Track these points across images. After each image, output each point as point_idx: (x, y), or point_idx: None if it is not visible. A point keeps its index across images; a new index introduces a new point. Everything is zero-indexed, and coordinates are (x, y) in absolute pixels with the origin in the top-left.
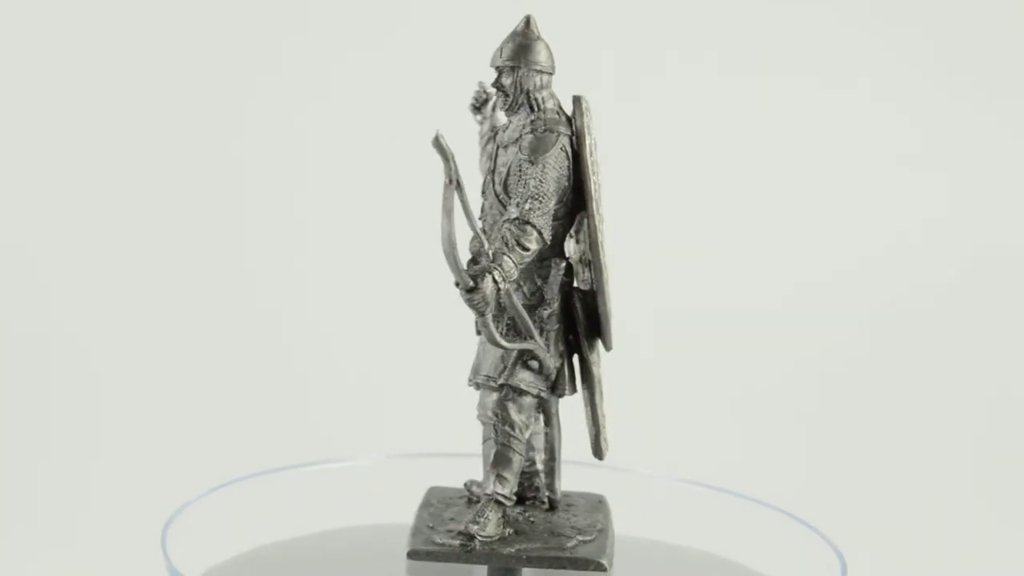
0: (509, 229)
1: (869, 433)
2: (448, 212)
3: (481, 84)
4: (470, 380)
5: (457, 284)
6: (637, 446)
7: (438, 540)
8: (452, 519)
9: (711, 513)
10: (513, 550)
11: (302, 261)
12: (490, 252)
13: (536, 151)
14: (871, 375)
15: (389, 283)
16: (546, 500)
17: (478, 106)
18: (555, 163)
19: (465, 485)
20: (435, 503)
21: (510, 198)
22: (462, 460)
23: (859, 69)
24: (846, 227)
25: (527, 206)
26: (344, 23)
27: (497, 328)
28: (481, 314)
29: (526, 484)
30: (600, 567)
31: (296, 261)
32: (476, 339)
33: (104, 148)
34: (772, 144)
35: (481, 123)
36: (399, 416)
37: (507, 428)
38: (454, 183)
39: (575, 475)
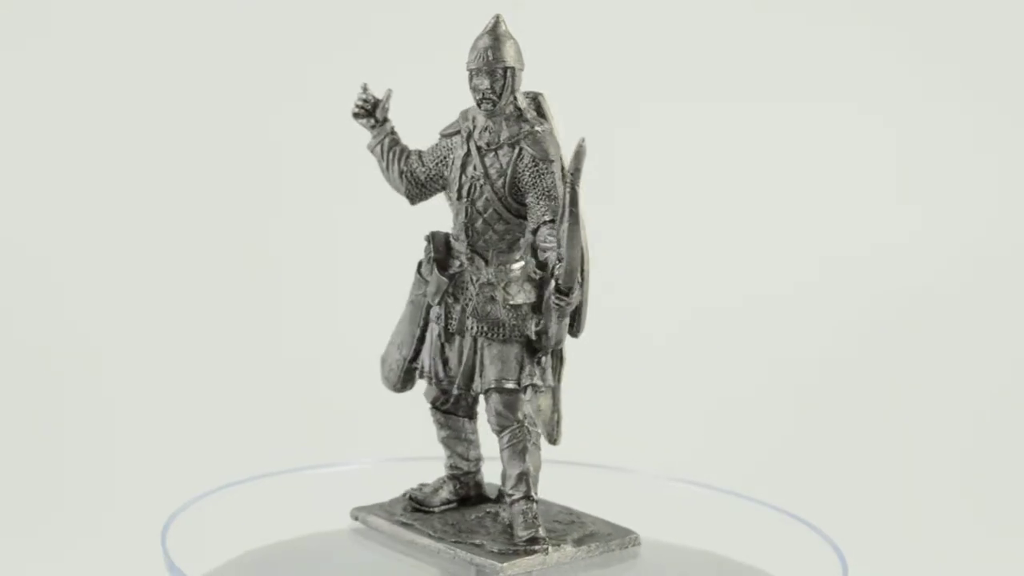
0: (553, 232)
1: (870, 432)
2: (579, 219)
3: (365, 87)
4: (465, 386)
5: (561, 290)
6: (636, 446)
7: (501, 549)
8: (458, 527)
9: (711, 513)
10: (571, 544)
11: (301, 264)
12: (557, 256)
13: (548, 150)
14: (872, 374)
15: (384, 288)
16: (495, 492)
17: (369, 110)
18: (560, 159)
19: (411, 497)
20: (411, 522)
21: (516, 201)
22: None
23: (847, 76)
24: (841, 225)
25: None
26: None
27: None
28: (564, 316)
29: (470, 483)
30: (637, 540)
31: (295, 264)
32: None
33: (113, 151)
34: (761, 147)
35: (373, 128)
36: (394, 420)
37: (533, 427)
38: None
39: (574, 475)
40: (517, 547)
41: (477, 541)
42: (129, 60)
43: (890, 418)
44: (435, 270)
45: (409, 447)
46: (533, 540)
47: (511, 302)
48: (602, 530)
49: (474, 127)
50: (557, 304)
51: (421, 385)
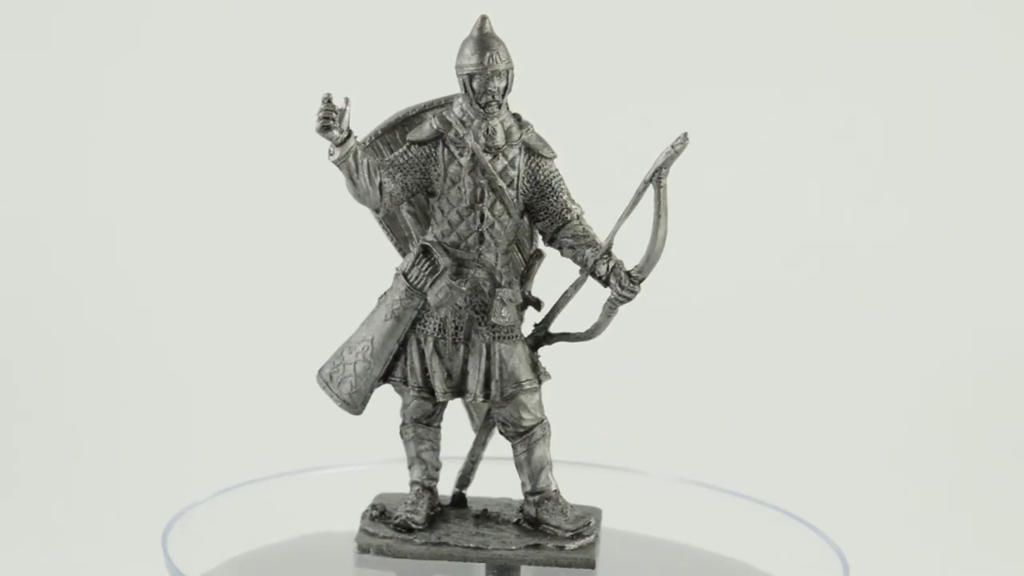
0: (587, 228)
1: (871, 431)
2: (667, 212)
3: (329, 98)
4: (486, 395)
5: (634, 280)
6: (637, 446)
7: (559, 545)
8: (483, 535)
9: (711, 513)
10: (593, 526)
11: (298, 266)
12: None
13: (548, 147)
14: (873, 373)
15: (378, 290)
16: (450, 497)
17: (337, 121)
18: None
19: (404, 519)
20: (442, 541)
21: (524, 201)
22: (448, 463)
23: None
24: (828, 216)
25: (575, 200)
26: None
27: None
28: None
29: (437, 492)
30: (600, 514)
31: (292, 266)
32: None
33: (122, 149)
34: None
35: (341, 143)
36: (392, 420)
37: (548, 421)
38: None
39: (576, 475)
40: (575, 537)
41: (530, 542)
42: (124, 60)
43: (891, 417)
44: (449, 280)
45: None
46: (584, 527)
47: (517, 301)
48: (579, 512)
49: (470, 131)
50: (626, 297)
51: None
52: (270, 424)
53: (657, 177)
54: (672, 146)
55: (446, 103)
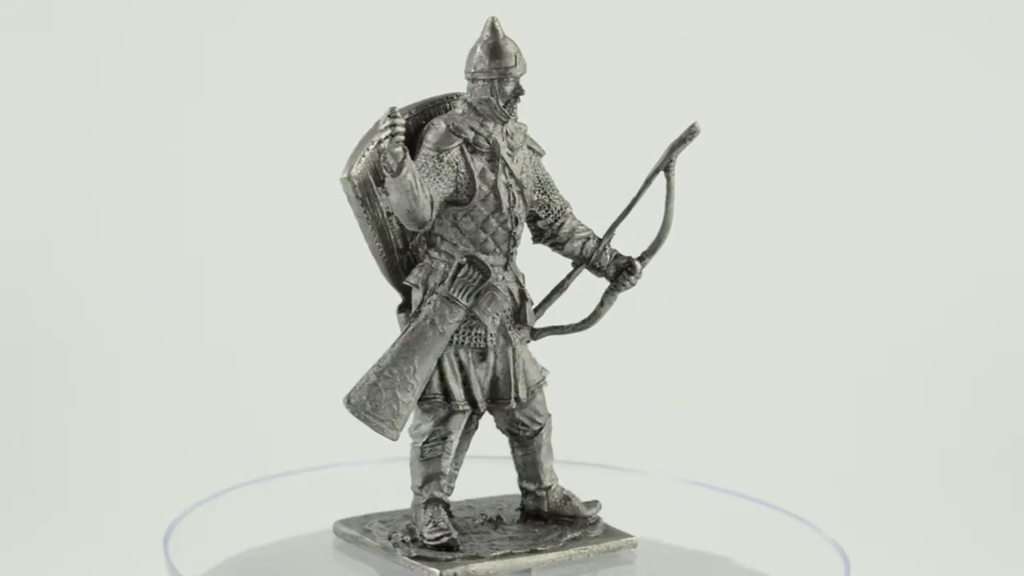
0: (580, 220)
1: (870, 430)
2: (674, 200)
3: (396, 112)
4: (516, 398)
5: (643, 263)
6: (637, 446)
7: (579, 535)
8: (512, 538)
9: (711, 513)
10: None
11: (296, 266)
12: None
13: (538, 144)
14: (870, 371)
15: (377, 291)
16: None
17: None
18: None
19: (448, 539)
20: (503, 552)
21: (528, 196)
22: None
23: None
24: (830, 223)
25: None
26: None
27: None
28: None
29: None
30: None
31: (290, 267)
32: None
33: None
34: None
35: (402, 157)
36: None
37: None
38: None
39: (575, 475)
40: (590, 522)
41: (568, 536)
42: (122, 61)
43: (891, 417)
44: (495, 287)
45: (402, 449)
46: (595, 511)
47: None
48: (580, 499)
49: (490, 135)
50: (632, 283)
51: None
52: (271, 424)
53: (667, 165)
54: (682, 136)
55: (432, 106)
